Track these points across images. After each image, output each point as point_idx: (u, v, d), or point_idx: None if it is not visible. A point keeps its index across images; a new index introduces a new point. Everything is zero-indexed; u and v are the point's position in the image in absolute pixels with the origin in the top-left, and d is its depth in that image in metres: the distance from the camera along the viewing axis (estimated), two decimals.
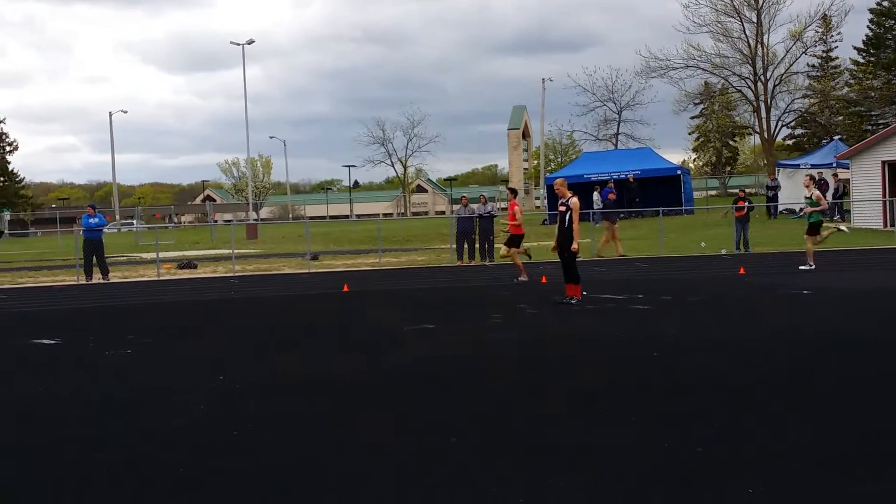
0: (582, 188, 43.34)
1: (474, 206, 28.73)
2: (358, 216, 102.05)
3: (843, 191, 39.38)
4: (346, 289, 20.51)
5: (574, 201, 15.94)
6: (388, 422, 7.81)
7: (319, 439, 7.31)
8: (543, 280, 20.62)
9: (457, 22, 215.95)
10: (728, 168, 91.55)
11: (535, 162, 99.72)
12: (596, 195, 44.49)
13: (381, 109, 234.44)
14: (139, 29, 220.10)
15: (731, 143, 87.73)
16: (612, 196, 32.62)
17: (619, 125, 75.06)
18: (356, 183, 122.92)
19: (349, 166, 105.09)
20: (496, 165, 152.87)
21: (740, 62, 56.51)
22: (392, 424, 7.71)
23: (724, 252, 28.09)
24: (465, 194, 32.86)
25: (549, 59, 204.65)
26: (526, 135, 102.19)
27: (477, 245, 28.09)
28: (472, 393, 8.92)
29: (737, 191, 34.73)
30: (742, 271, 21.30)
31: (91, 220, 25.83)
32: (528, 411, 8.01)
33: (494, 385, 9.26)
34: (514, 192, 24.26)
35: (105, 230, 25.66)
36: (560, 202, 16.25)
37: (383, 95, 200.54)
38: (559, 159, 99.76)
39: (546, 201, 53.73)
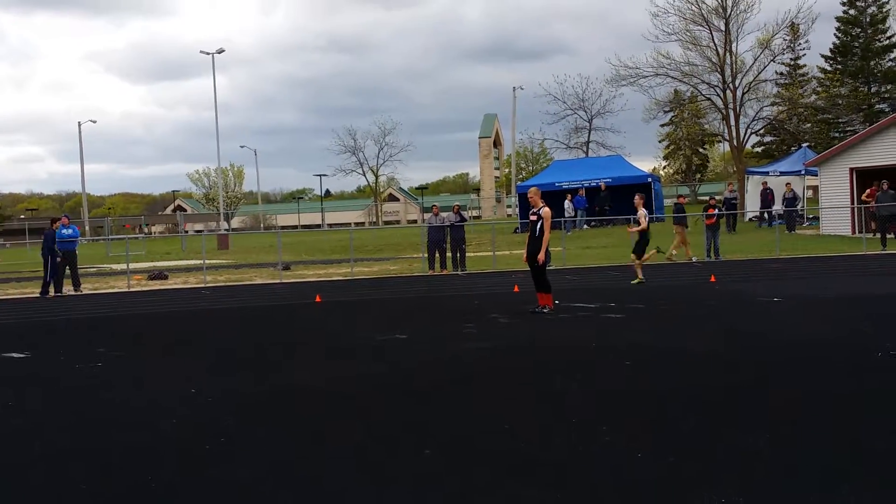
0: (553, 196, 43.45)
1: (444, 214, 28.74)
2: (330, 225, 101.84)
3: (793, 199, 39.78)
4: (318, 299, 20.49)
5: (545, 211, 15.94)
6: (358, 431, 7.80)
7: (286, 451, 7.29)
8: (516, 289, 20.65)
9: (424, 30, 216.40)
10: (698, 175, 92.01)
11: (507, 170, 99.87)
12: (567, 203, 44.65)
13: (349, 118, 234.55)
14: (102, 39, 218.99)
15: (701, 150, 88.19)
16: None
17: (589, 133, 75.39)
18: (327, 192, 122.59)
19: (320, 175, 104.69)
20: (468, 174, 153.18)
21: (709, 70, 56.81)
22: (361, 434, 7.71)
23: (694, 259, 28.22)
24: (436, 203, 32.86)
25: (517, 68, 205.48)
26: (497, 143, 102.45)
27: (449, 254, 28.09)
28: (443, 401, 8.93)
29: (706, 198, 34.91)
30: (713, 279, 21.41)
31: (65, 231, 25.67)
32: (498, 421, 8.02)
33: (465, 394, 9.27)
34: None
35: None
36: (531, 211, 16.29)
37: (351, 104, 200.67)
38: (530, 167, 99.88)
39: (518, 209, 53.80)
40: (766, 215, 42.46)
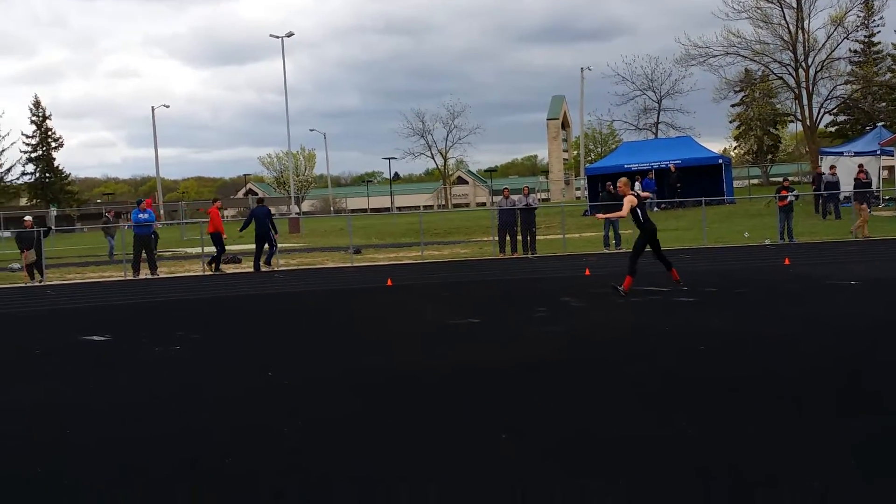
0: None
1: (515, 197, 28.72)
2: (399, 209, 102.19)
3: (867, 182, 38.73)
4: (389, 283, 20.62)
5: (627, 198, 16.56)
6: (433, 416, 7.88)
7: (361, 438, 7.39)
8: (587, 272, 20.60)
9: (482, 11, 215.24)
10: (770, 156, 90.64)
11: (575, 152, 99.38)
12: (637, 185, 44.28)
13: (412, 100, 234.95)
14: (165, 23, 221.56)
15: (772, 130, 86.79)
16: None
17: (658, 114, 74.57)
18: (396, 175, 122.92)
19: (389, 158, 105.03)
20: (536, 156, 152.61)
21: (781, 49, 55.98)
22: (438, 419, 7.78)
23: (768, 242, 27.90)
24: (506, 186, 32.81)
25: (579, 48, 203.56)
26: (565, 125, 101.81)
27: (519, 237, 28.07)
28: (519, 387, 8.97)
29: (780, 179, 34.43)
30: (787, 262, 21.16)
31: (141, 216, 26.18)
32: (575, 406, 8.05)
33: (540, 379, 9.30)
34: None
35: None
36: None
37: (412, 86, 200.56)
38: (599, 149, 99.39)
39: (586, 192, 53.50)
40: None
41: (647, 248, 16.60)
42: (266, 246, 26.37)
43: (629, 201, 16.42)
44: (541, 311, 14.76)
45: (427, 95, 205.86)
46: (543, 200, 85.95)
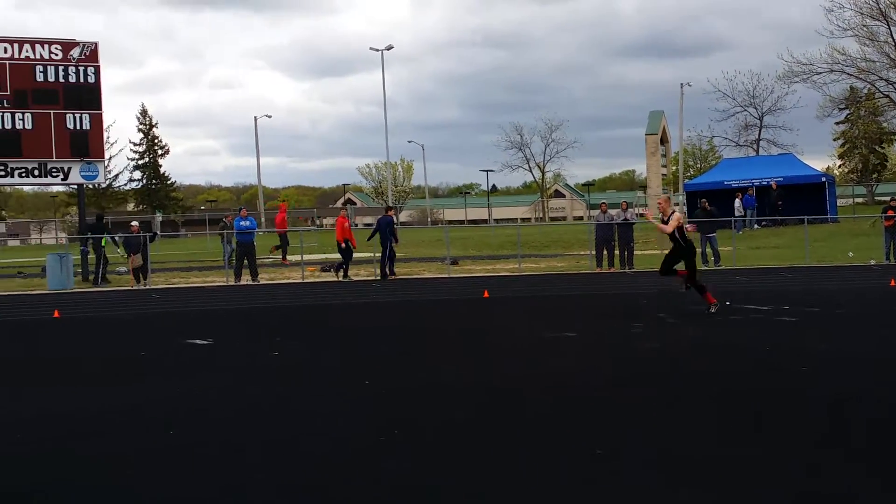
0: (722, 195, 42.61)
1: (613, 212, 28.55)
2: (496, 221, 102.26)
3: None
4: (486, 294, 20.67)
5: (676, 215, 16.17)
6: (529, 429, 7.90)
7: (455, 449, 7.45)
8: (685, 289, 20.38)
9: (579, 25, 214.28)
10: (875, 175, 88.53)
11: (674, 168, 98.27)
12: (737, 202, 43.67)
13: (508, 114, 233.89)
14: (267, 36, 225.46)
15: (878, 149, 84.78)
16: None
17: (760, 131, 73.35)
18: (494, 187, 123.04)
19: (487, 171, 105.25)
20: (633, 171, 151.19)
21: (888, 66, 54.62)
22: (533, 432, 7.80)
23: (873, 262, 27.28)
24: (604, 200, 32.68)
25: (677, 64, 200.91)
26: (664, 140, 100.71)
27: (616, 252, 27.91)
28: (612, 403, 8.94)
29: (887, 199, 33.63)
30: (893, 283, 20.65)
31: (242, 223, 26.71)
32: (670, 424, 8.00)
33: (634, 395, 9.26)
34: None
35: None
36: (661, 219, 16.42)
37: (509, 100, 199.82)
38: (698, 165, 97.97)
39: (685, 207, 52.92)
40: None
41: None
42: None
43: (677, 219, 16.06)
44: (637, 326, 14.67)
45: (524, 109, 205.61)
46: (641, 216, 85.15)
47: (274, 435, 7.97)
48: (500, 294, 21.04)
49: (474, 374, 10.70)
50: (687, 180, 69.61)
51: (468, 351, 12.89)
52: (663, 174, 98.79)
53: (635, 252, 28.59)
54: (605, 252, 27.94)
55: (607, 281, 24.27)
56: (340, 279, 26.30)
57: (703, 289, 16.08)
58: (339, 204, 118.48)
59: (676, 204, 47.87)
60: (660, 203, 17.37)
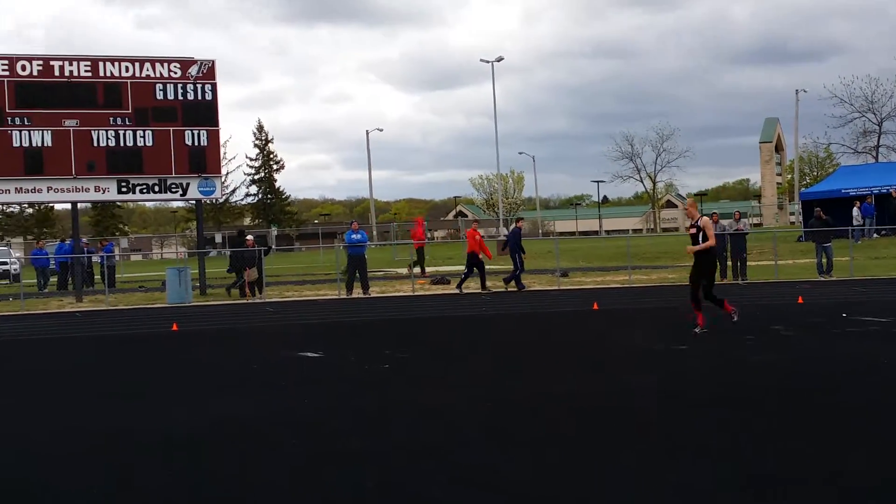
0: (840, 203, 41.57)
1: (725, 222, 28.13)
2: (607, 232, 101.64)
3: None
4: (595, 307, 20.59)
5: (705, 220, 15.46)
6: (638, 442, 7.88)
7: (564, 463, 7.47)
8: (800, 300, 20.02)
9: (690, 33, 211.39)
10: None
11: (789, 176, 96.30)
12: (855, 210, 42.61)
13: (619, 123, 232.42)
14: (378, 49, 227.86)
15: None
16: None
17: (879, 137, 71.41)
18: (605, 198, 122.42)
19: (598, 181, 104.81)
20: (748, 180, 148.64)
21: None
22: (643, 447, 7.78)
23: None
24: (715, 210, 32.19)
25: (792, 70, 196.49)
26: (779, 148, 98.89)
27: (729, 263, 27.49)
28: (723, 417, 8.84)
29: None
30: None
31: (354, 237, 27.10)
32: (786, 440, 7.88)
33: (745, 409, 9.14)
34: None
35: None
36: (691, 224, 15.78)
37: (620, 109, 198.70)
38: (815, 173, 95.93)
39: (801, 216, 51.78)
40: None
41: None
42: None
43: (709, 226, 15.29)
44: (749, 339, 14.45)
45: (635, 118, 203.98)
46: (755, 225, 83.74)
47: (387, 445, 8.09)
48: (609, 306, 20.93)
49: (581, 388, 10.69)
50: (803, 189, 68.09)
51: (575, 363, 12.87)
52: (778, 183, 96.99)
53: (748, 263, 28.12)
54: (717, 263, 27.51)
55: (719, 292, 23.89)
56: (461, 292, 26.38)
57: (721, 302, 15.66)
58: (450, 216, 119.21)
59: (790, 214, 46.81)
60: (687, 209, 16.59)
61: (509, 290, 26.18)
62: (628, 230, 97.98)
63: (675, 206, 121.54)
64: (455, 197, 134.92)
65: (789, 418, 8.70)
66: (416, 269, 31.96)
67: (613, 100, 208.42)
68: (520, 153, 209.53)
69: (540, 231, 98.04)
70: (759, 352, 13.09)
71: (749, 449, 7.53)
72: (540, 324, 18.45)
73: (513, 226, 28.09)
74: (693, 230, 15.47)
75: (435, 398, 10.35)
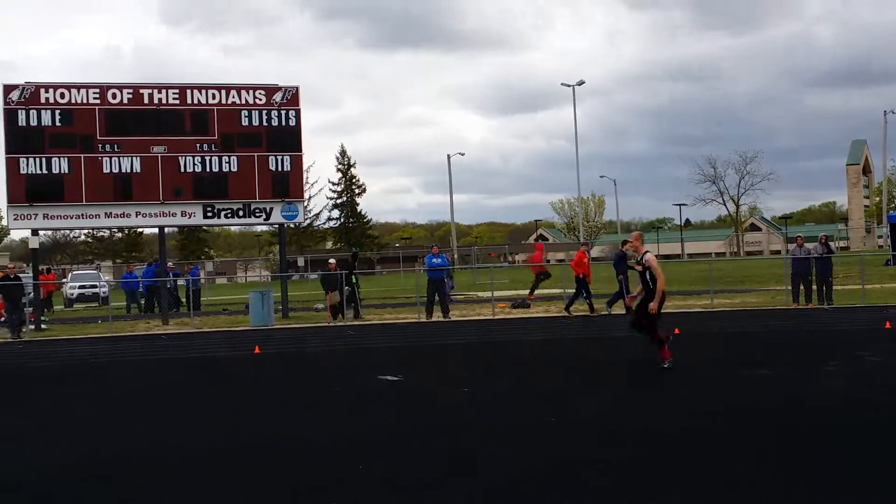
0: None
1: (810, 245, 27.71)
2: (690, 255, 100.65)
3: None
4: (676, 331, 20.42)
5: (649, 258, 14.24)
6: (739, 464, 7.85)
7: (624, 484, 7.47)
8: (887, 325, 19.65)
9: (772, 55, 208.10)
10: None
11: (878, 198, 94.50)
12: None
13: (700, 146, 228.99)
14: (458, 74, 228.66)
15: None
16: None
17: None
18: (687, 221, 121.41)
19: (680, 205, 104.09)
20: (834, 202, 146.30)
21: None
22: (730, 468, 7.74)
23: None
24: (800, 234, 31.75)
25: (879, 92, 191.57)
26: (867, 170, 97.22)
27: (814, 287, 27.07)
28: (803, 444, 8.76)
29: None
30: None
31: (434, 261, 27.25)
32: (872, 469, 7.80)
33: (829, 437, 9.04)
34: None
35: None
36: (635, 260, 14.90)
37: (701, 132, 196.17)
38: None
39: (889, 240, 50.76)
40: None
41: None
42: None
43: (652, 261, 14.22)
44: (832, 364, 14.26)
45: (717, 141, 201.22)
46: (842, 249, 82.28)
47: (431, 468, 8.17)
48: (691, 331, 20.74)
49: (666, 417, 10.66)
50: (892, 211, 66.77)
51: (661, 387, 12.81)
52: (866, 206, 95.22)
53: (834, 287, 27.66)
54: (801, 287, 27.13)
55: (804, 317, 23.58)
56: (570, 314, 26.34)
57: (663, 343, 14.37)
58: (531, 240, 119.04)
59: None
60: (631, 242, 15.50)
61: (613, 313, 26.03)
62: (711, 254, 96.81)
63: (759, 230, 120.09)
64: (536, 220, 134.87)
65: (871, 447, 8.59)
66: (526, 292, 31.80)
67: (694, 122, 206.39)
68: (601, 176, 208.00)
69: None
70: (841, 377, 12.94)
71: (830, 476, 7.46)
72: (619, 347, 18.35)
73: (618, 249, 28.01)
74: (639, 267, 14.40)
75: (517, 420, 10.39)
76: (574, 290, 27.21)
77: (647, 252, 14.34)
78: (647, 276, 14.10)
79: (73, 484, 8.34)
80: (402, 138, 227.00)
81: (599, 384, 13.45)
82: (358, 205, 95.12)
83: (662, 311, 14.51)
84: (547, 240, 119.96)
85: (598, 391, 12.75)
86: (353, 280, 28.31)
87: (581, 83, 66.97)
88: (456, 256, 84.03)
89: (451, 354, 18.21)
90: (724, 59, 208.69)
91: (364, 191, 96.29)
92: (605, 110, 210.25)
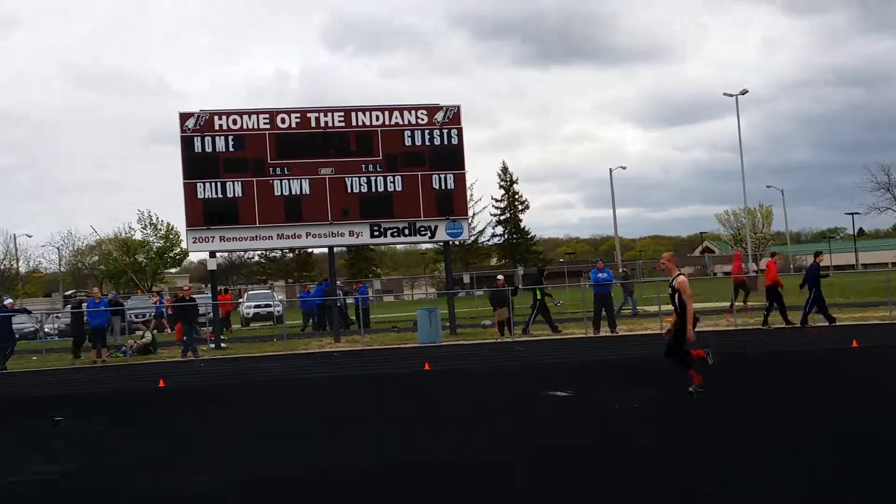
0: None
1: None
2: (864, 266, 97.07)
3: None
4: (854, 344, 19.76)
5: (680, 280, 13.59)
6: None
7: None
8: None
9: None
10: None
11: None
12: None
13: (868, 153, 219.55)
14: (615, 88, 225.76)
15: None
16: None
17: None
18: (861, 231, 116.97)
19: (852, 213, 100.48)
20: None
21: None
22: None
23: None
24: None
25: None
26: None
27: None
28: None
29: None
30: None
31: (600, 275, 27.12)
32: None
33: None
34: None
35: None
36: (669, 283, 13.96)
37: (868, 138, 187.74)
38: None
39: None
40: None
41: None
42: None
43: (684, 285, 13.51)
44: None
45: (887, 147, 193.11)
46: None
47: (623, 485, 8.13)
48: (869, 343, 20.04)
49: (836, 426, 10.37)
50: None
51: (833, 397, 12.45)
52: None
53: None
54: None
55: None
56: (768, 327, 25.85)
57: (691, 364, 13.76)
58: (697, 253, 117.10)
59: None
60: (663, 262, 14.39)
61: (810, 325, 25.40)
62: (888, 263, 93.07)
63: None
64: (701, 233, 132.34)
65: None
66: (739, 303, 31.17)
67: (861, 128, 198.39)
68: (767, 186, 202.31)
69: (791, 266, 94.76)
70: None
71: None
72: (793, 362, 17.87)
73: (812, 260, 27.33)
74: (671, 290, 13.75)
75: (688, 441, 10.27)
76: (768, 302, 26.56)
77: (679, 275, 13.72)
78: (677, 300, 13.55)
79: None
80: (561, 154, 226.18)
81: (769, 394, 13.11)
82: (521, 221, 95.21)
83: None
84: (713, 252, 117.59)
85: (766, 400, 12.44)
86: (539, 295, 28.28)
87: (744, 92, 65.45)
88: (621, 271, 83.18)
89: (622, 369, 18.04)
90: (888, 62, 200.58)
91: (527, 207, 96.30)
92: (768, 119, 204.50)
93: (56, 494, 9.41)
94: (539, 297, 28.28)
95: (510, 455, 9.83)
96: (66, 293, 71.42)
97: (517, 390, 15.47)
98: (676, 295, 13.46)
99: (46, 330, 38.48)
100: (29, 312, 35.52)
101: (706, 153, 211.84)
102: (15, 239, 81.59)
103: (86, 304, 30.03)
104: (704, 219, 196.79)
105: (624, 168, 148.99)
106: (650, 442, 10.18)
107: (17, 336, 29.09)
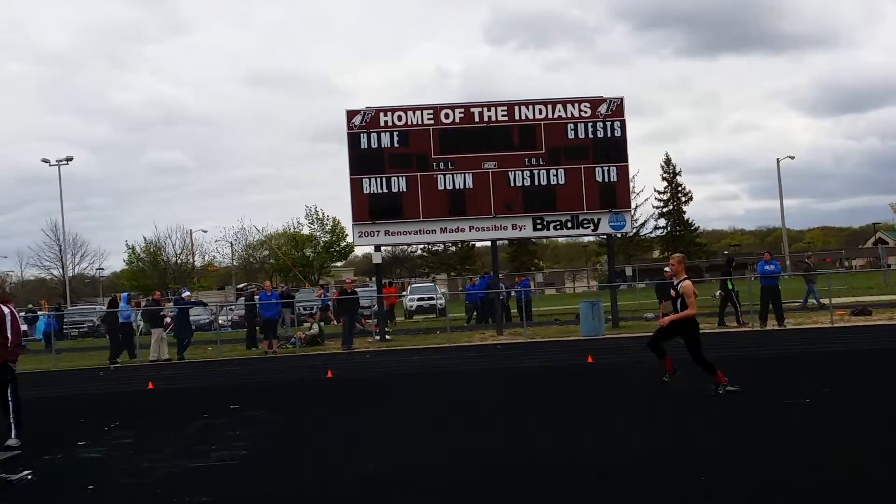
0: None
1: None
2: None
3: None
4: None
5: (685, 286, 13.57)
6: None
7: None
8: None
9: None
10: None
11: None
12: None
13: None
14: (784, 76, 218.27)
15: None
16: None
17: None
18: None
19: None
20: None
21: None
22: None
23: None
24: None
25: None
26: None
27: None
28: None
29: None
30: None
31: (767, 268, 26.61)
32: None
33: None
34: None
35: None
36: (672, 285, 14.02)
37: None
38: None
39: None
40: None
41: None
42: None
43: (690, 290, 13.53)
44: None
45: None
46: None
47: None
48: None
49: None
50: None
51: None
52: None
53: None
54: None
55: None
56: None
57: (712, 367, 13.80)
58: (869, 244, 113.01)
59: None
60: (672, 263, 14.44)
61: None
62: None
63: None
64: (874, 223, 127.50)
65: None
66: None
67: None
68: None
69: None
70: None
71: None
72: None
73: None
74: (674, 293, 13.88)
75: (854, 436, 10.08)
76: None
77: (685, 279, 13.75)
78: (679, 304, 13.63)
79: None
80: (727, 144, 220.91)
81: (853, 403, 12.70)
82: (685, 212, 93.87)
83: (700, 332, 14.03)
84: (887, 243, 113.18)
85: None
86: (730, 286, 27.93)
87: None
88: (788, 263, 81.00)
89: (789, 364, 17.66)
90: None
91: (690, 198, 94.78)
92: None
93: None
94: (731, 286, 27.84)
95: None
96: (238, 286, 73.99)
97: (681, 384, 15.25)
98: (680, 298, 13.62)
99: (220, 321, 40.10)
100: (205, 305, 37.10)
101: (880, 141, 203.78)
102: (191, 234, 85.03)
103: (258, 297, 31.19)
104: (877, 209, 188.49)
105: (792, 158, 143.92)
106: (822, 434, 10.02)
107: (193, 327, 30.44)
